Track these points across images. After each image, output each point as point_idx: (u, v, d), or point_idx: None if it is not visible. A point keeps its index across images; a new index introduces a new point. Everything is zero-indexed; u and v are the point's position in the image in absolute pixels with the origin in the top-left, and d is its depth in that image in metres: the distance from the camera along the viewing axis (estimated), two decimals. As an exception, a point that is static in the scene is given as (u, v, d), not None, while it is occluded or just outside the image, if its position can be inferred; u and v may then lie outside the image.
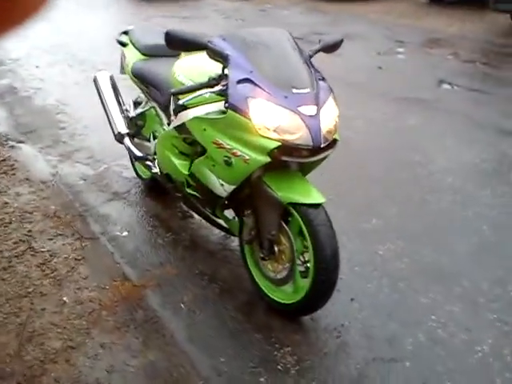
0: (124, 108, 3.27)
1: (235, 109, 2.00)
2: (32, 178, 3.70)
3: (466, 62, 6.12)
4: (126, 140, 3.13)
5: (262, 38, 2.21)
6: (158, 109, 2.96)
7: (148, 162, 3.03)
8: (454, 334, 2.22)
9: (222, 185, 2.21)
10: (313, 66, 2.20)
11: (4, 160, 3.95)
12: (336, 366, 2.10)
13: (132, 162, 3.58)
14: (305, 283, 2.21)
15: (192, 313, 2.39)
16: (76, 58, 6.98)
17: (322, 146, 2.03)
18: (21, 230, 3.06)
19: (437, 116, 4.51)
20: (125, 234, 3.03)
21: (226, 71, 2.11)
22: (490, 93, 5.01)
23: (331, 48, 2.38)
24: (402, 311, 2.36)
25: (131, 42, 3.19)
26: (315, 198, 2.09)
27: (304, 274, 2.21)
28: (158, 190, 3.44)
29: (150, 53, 3.07)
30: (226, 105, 2.04)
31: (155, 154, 3.00)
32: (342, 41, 2.40)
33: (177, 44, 2.05)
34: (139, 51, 3.09)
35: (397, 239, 2.84)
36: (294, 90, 2.02)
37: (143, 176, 3.50)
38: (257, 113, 1.97)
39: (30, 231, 3.06)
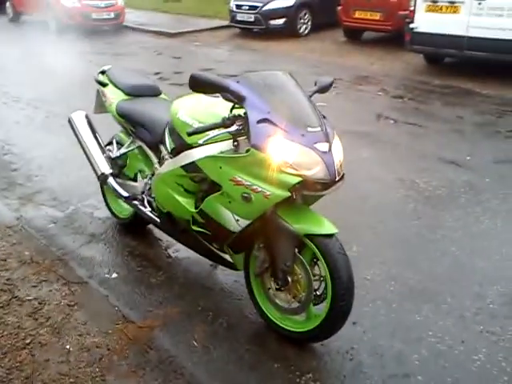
0: (105, 148, 3.24)
1: (257, 147, 2.11)
2: (-5, 224, 3.52)
3: (395, 98, 6.67)
4: (111, 180, 3.10)
5: (271, 81, 2.35)
6: (145, 148, 2.98)
7: (136, 202, 3.02)
8: (452, 347, 2.43)
9: (238, 220, 2.29)
10: (316, 106, 2.38)
11: (-41, 206, 3.72)
12: (358, 387, 2.23)
13: (106, 201, 3.53)
14: (318, 311, 2.33)
15: (207, 349, 2.41)
16: (9, 96, 6.72)
17: (336, 179, 2.19)
18: (-1, 278, 2.91)
19: (384, 148, 4.89)
20: (114, 275, 2.98)
21: (237, 111, 2.23)
22: (424, 126, 5.51)
23: (326, 89, 2.59)
24: (402, 330, 2.54)
25: (111, 82, 3.20)
26: (329, 228, 2.24)
27: (315, 302, 2.34)
28: (136, 228, 3.42)
29: (133, 93, 3.10)
30: (249, 144, 2.14)
31: (143, 193, 3.01)
32: (333, 82, 2.63)
33: (200, 86, 2.14)
34: (122, 91, 3.11)
35: (380, 264, 3.06)
36: (309, 129, 2.18)
37: (120, 216, 3.46)
38: (278, 151, 2.09)
39: (9, 279, 2.92)
